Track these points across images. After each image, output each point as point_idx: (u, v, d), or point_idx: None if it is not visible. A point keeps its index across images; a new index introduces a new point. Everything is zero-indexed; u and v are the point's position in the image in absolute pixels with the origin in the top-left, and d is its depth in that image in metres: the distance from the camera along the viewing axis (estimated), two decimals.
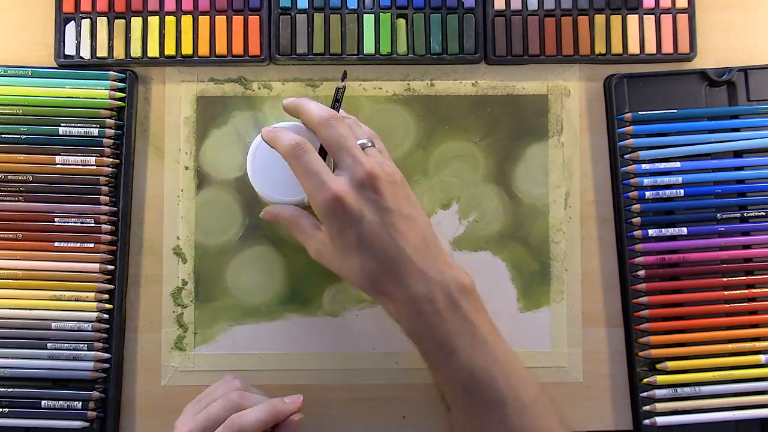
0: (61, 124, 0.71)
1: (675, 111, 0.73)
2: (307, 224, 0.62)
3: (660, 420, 0.70)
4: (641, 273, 0.71)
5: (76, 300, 0.70)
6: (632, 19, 0.75)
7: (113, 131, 0.71)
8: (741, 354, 0.71)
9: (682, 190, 0.72)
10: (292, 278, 0.72)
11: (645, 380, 0.71)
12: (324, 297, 0.72)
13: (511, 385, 0.58)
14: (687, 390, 0.70)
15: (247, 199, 0.72)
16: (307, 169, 0.58)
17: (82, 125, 0.71)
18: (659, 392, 0.70)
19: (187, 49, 0.73)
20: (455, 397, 0.59)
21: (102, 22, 0.72)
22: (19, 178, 0.70)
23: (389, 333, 0.72)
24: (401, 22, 0.73)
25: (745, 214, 0.72)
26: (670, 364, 0.70)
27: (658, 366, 0.71)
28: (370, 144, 0.62)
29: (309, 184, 0.58)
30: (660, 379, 0.70)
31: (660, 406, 0.70)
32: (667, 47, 0.75)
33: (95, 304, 0.70)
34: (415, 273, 0.58)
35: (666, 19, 0.75)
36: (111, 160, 0.71)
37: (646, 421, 0.70)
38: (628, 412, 0.72)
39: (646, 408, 0.70)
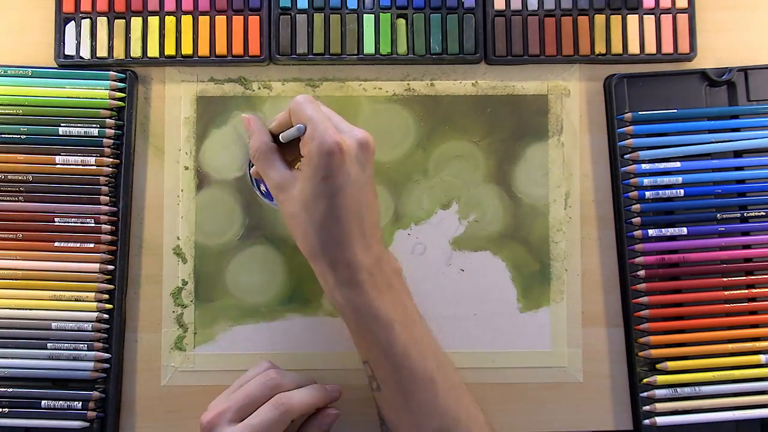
0: (61, 124, 0.70)
1: (675, 111, 0.73)
2: (281, 157, 0.63)
3: (660, 420, 0.70)
4: (641, 273, 0.71)
5: (76, 300, 0.70)
6: (632, 19, 0.75)
7: (113, 131, 0.71)
8: (741, 354, 0.71)
9: (682, 190, 0.72)
10: (292, 278, 0.72)
11: (645, 380, 0.71)
12: (324, 297, 0.72)
13: (440, 365, 0.60)
14: (687, 390, 0.70)
15: (247, 199, 0.72)
16: (314, 116, 0.58)
17: (82, 125, 0.71)
18: (659, 392, 0.70)
19: (187, 49, 0.73)
20: (386, 373, 0.60)
21: (102, 22, 0.72)
22: (19, 178, 0.70)
23: None
24: (401, 22, 0.73)
25: (745, 214, 0.72)
26: (670, 364, 0.70)
27: (658, 366, 0.71)
28: None
29: (312, 127, 0.57)
30: (660, 379, 0.70)
31: (660, 406, 0.70)
32: (667, 47, 0.74)
33: (95, 304, 0.70)
34: (364, 244, 0.59)
35: (666, 19, 0.75)
36: (111, 160, 0.71)
37: (646, 421, 0.70)
38: (628, 412, 0.72)
39: (646, 408, 0.70)
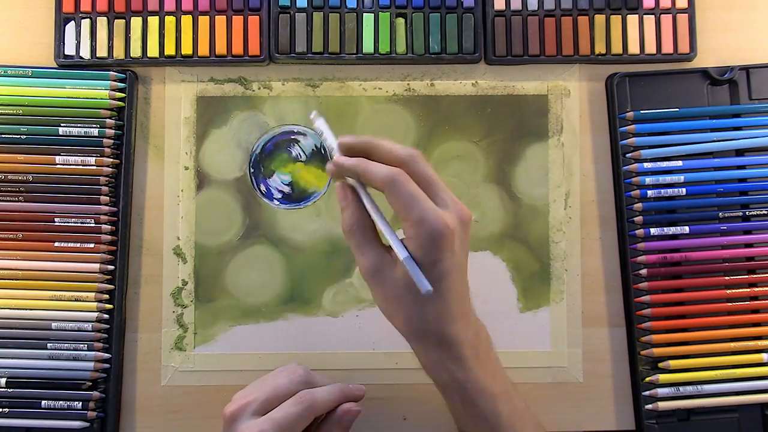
0: (61, 124, 0.71)
1: (677, 110, 0.73)
2: (374, 236, 0.58)
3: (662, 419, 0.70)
4: (643, 272, 0.71)
5: (76, 300, 0.70)
6: (632, 19, 0.74)
7: (113, 131, 0.71)
8: (743, 353, 0.70)
9: (684, 189, 0.72)
10: (292, 278, 0.72)
11: (647, 379, 0.70)
12: (324, 297, 0.72)
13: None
14: (689, 389, 0.70)
15: (247, 199, 0.73)
16: (413, 194, 0.54)
17: (82, 125, 0.71)
18: (661, 391, 0.70)
19: (187, 49, 0.73)
20: None
21: (102, 22, 0.73)
22: (19, 178, 0.70)
23: (389, 333, 0.71)
24: (400, 21, 0.73)
25: (747, 213, 0.72)
26: (672, 363, 0.70)
27: (660, 365, 0.70)
28: None
29: (417, 207, 0.54)
30: (662, 377, 0.70)
31: (662, 405, 0.69)
32: (667, 47, 0.74)
33: (95, 304, 0.70)
34: (465, 319, 0.58)
35: (666, 19, 0.75)
36: (111, 160, 0.71)
37: (649, 420, 0.70)
38: (630, 411, 0.72)
39: (649, 407, 0.70)
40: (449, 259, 0.54)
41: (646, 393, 0.70)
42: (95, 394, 0.69)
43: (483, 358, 0.58)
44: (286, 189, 0.72)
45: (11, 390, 0.69)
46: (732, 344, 0.70)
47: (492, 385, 0.58)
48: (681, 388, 0.70)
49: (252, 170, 0.72)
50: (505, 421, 0.57)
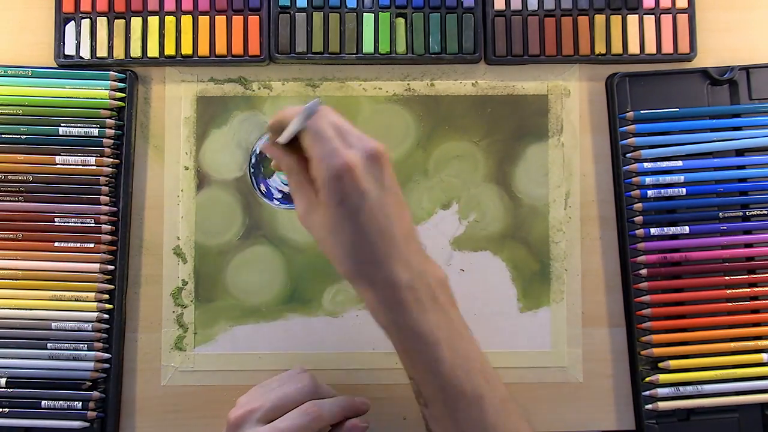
0: (61, 124, 0.71)
1: (677, 110, 0.73)
2: (307, 179, 0.58)
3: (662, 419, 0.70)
4: (643, 272, 0.71)
5: (76, 300, 0.69)
6: (632, 19, 0.74)
7: (113, 131, 0.71)
8: (743, 353, 0.70)
9: (684, 189, 0.72)
10: (292, 278, 0.72)
11: (647, 379, 0.70)
12: (324, 297, 0.72)
13: (487, 380, 0.56)
14: (689, 389, 0.70)
15: (247, 199, 0.73)
16: (320, 133, 0.55)
17: (82, 125, 0.71)
18: (661, 391, 0.70)
19: (186, 49, 0.73)
20: (433, 391, 0.56)
21: (102, 22, 0.73)
22: (19, 178, 0.70)
23: None
24: (400, 21, 0.73)
25: (747, 213, 0.72)
26: (673, 363, 0.70)
27: (660, 365, 0.70)
28: None
29: (319, 148, 0.54)
30: (662, 377, 0.70)
31: (662, 405, 0.69)
32: (667, 47, 0.74)
33: (95, 304, 0.70)
34: (402, 260, 0.55)
35: (666, 19, 0.75)
36: (111, 160, 0.71)
37: (648, 420, 0.70)
38: (630, 411, 0.72)
39: (648, 407, 0.70)
40: (356, 197, 0.54)
41: (646, 393, 0.70)
42: (95, 394, 0.69)
43: (424, 300, 0.55)
44: (286, 189, 0.72)
45: (11, 390, 0.69)
46: (732, 344, 0.70)
47: (433, 330, 0.55)
48: (681, 388, 0.70)
49: (252, 170, 0.72)
50: (447, 368, 0.55)
